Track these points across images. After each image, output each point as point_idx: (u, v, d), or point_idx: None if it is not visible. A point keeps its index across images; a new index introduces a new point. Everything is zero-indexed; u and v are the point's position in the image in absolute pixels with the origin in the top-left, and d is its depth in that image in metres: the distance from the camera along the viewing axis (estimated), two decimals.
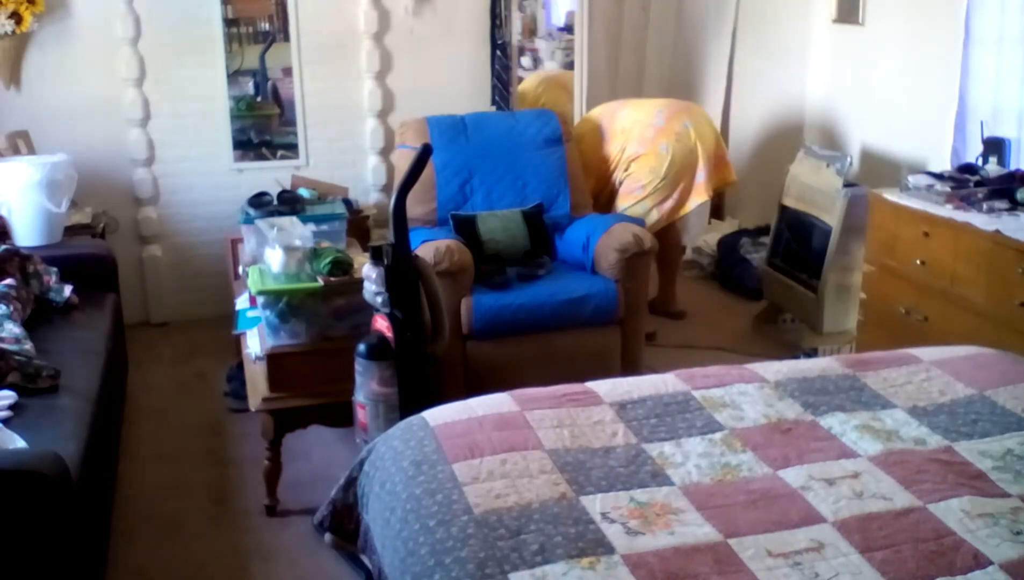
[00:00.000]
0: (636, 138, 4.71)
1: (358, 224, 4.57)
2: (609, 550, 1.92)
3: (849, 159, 4.56)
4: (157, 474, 3.55)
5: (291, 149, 5.01)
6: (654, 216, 4.65)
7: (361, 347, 3.04)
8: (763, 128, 5.75)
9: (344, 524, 2.53)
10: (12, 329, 3.12)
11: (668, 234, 4.83)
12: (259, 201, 4.09)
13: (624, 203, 4.67)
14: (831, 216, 4.44)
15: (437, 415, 2.51)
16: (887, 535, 1.97)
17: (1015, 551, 1.92)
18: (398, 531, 2.14)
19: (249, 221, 3.90)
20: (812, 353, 4.27)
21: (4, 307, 3.22)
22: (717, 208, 6.08)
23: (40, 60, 4.63)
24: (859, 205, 4.28)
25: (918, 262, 3.73)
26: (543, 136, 4.45)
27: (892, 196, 3.92)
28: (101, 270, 4.00)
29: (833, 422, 2.46)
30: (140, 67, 4.73)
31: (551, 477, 2.19)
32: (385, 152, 5.08)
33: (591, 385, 2.69)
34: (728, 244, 5.58)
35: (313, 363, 3.28)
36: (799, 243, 4.70)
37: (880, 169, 4.69)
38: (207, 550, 3.08)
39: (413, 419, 2.52)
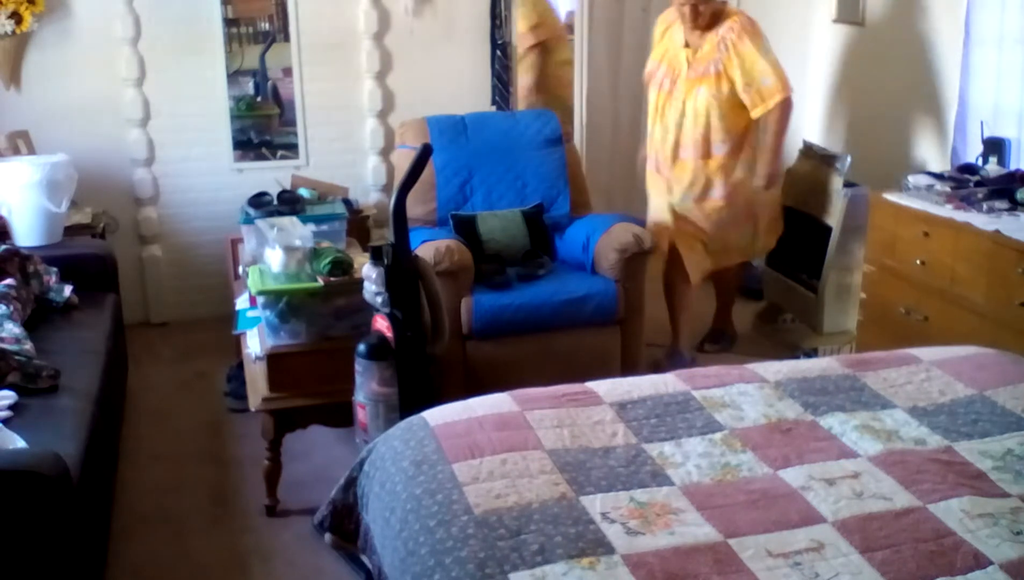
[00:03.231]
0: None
1: (358, 224, 4.56)
2: (609, 550, 1.92)
3: (849, 159, 4.56)
4: (157, 474, 3.55)
5: (291, 149, 5.00)
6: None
7: (361, 347, 3.04)
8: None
9: (344, 524, 2.53)
10: (12, 329, 3.12)
11: None
12: (259, 201, 4.09)
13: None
14: (831, 216, 4.43)
15: (437, 415, 2.51)
16: (887, 535, 1.97)
17: (1015, 551, 1.92)
18: (398, 531, 2.14)
19: (249, 221, 3.90)
20: (812, 353, 4.27)
21: (4, 307, 3.22)
22: None
23: (40, 60, 4.62)
24: (859, 205, 4.28)
25: (918, 262, 3.73)
26: (543, 136, 4.44)
27: (892, 196, 3.92)
28: (101, 270, 4.00)
29: (833, 422, 2.46)
30: (140, 67, 4.73)
31: (551, 477, 2.19)
32: (385, 152, 5.08)
33: (591, 385, 2.69)
34: None
35: (313, 363, 3.27)
36: (799, 243, 4.70)
37: (880, 169, 4.68)
38: (207, 550, 3.08)
39: (413, 419, 2.52)
